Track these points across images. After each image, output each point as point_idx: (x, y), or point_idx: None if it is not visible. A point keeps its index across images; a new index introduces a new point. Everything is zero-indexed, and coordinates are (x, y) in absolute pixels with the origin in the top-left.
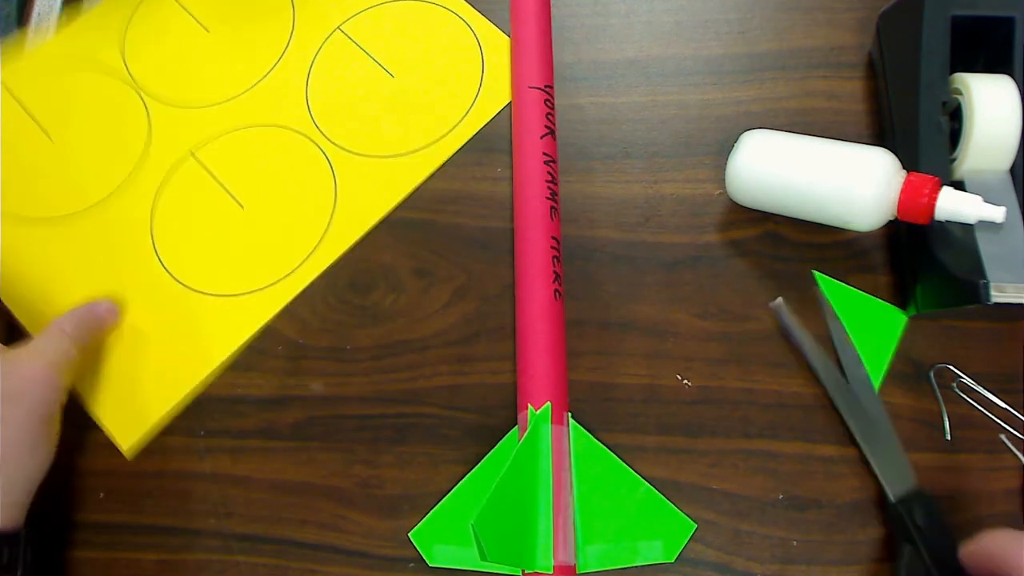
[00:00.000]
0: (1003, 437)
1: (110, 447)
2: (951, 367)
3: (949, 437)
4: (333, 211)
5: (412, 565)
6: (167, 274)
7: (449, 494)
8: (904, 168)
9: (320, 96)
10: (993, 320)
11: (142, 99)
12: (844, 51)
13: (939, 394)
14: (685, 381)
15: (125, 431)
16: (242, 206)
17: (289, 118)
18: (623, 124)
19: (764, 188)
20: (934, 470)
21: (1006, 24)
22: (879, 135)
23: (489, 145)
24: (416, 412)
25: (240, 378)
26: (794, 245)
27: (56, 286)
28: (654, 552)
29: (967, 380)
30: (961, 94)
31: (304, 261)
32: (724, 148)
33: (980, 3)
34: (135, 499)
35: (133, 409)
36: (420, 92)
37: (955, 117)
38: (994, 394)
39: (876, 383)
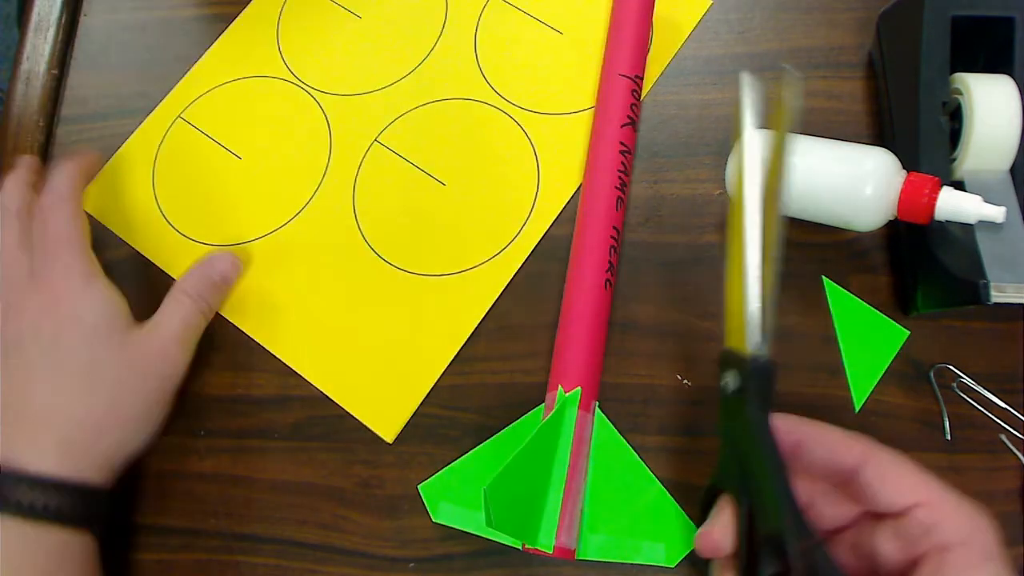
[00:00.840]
0: (1003, 437)
1: None
2: (951, 367)
3: (949, 437)
4: (538, 168)
5: (412, 565)
6: (388, 265)
7: (464, 456)
8: (904, 168)
9: (490, 61)
10: (993, 320)
11: (312, 96)
12: (844, 51)
13: (939, 394)
14: (685, 381)
15: (386, 426)
16: (442, 183)
17: (464, 88)
18: None
19: None
20: (934, 470)
21: (1006, 24)
22: (879, 135)
23: None
24: (416, 412)
25: (240, 378)
26: (794, 245)
27: (278, 300)
28: (656, 554)
29: (967, 380)
30: (961, 94)
31: (525, 223)
32: (724, 148)
33: (980, 3)
34: (135, 499)
35: (390, 404)
36: (588, 45)
37: (955, 117)
38: (994, 394)
39: (866, 392)
